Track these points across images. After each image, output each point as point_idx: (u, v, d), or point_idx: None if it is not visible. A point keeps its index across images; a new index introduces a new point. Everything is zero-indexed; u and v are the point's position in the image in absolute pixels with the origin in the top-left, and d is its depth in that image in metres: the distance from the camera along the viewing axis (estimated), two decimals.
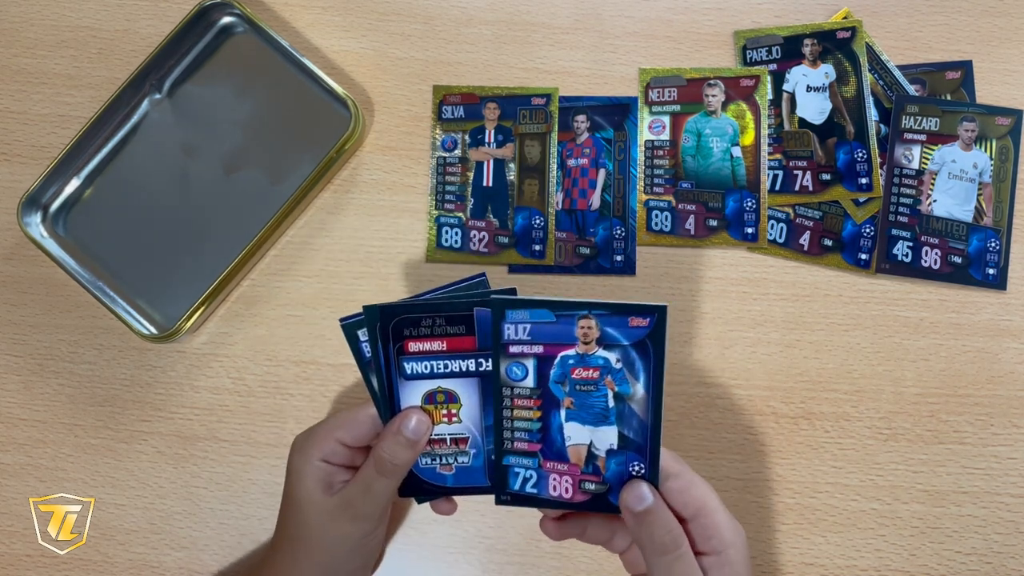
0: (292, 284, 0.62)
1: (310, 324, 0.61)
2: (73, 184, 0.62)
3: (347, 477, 0.48)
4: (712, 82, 0.63)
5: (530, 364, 0.44)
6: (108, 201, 0.62)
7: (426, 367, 0.45)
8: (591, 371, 0.43)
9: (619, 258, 0.61)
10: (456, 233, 0.62)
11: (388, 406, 0.46)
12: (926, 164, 0.62)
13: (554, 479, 0.45)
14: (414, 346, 0.45)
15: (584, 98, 0.63)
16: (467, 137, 0.63)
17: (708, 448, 0.59)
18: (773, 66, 0.63)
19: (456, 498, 0.49)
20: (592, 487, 0.45)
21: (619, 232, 0.62)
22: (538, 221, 0.62)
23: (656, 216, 0.62)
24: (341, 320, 0.46)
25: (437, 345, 0.45)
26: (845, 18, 0.64)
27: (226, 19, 0.64)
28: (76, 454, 0.60)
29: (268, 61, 0.63)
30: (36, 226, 0.61)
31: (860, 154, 0.61)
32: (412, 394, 0.46)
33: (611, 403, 0.44)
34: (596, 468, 0.45)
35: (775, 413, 0.60)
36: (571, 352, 0.43)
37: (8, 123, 0.64)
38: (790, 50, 0.63)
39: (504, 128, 0.63)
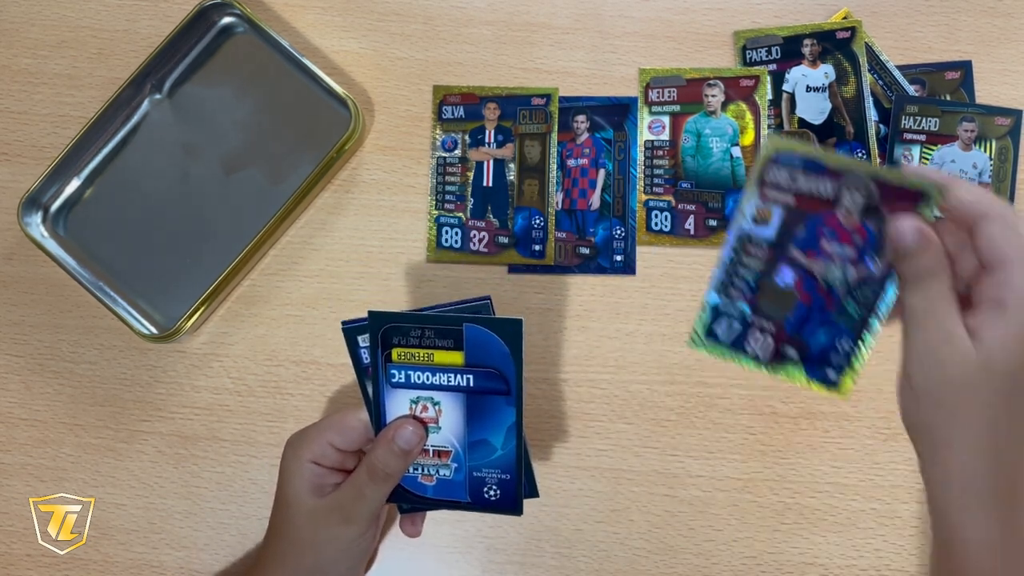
0: (292, 284, 0.62)
1: (310, 324, 0.61)
2: (73, 184, 0.62)
3: (337, 480, 0.48)
4: (712, 82, 0.63)
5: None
6: (108, 201, 0.62)
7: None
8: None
9: (619, 258, 0.61)
10: (456, 233, 0.62)
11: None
12: (926, 164, 0.62)
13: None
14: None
15: (584, 98, 0.63)
16: (467, 137, 0.63)
17: (708, 448, 0.59)
18: (773, 66, 0.63)
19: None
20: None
21: (619, 232, 0.62)
22: (538, 221, 0.62)
23: (656, 216, 0.62)
24: (343, 323, 0.47)
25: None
26: (845, 18, 0.64)
27: (226, 19, 0.64)
28: (76, 454, 0.60)
29: (268, 61, 0.63)
30: (36, 226, 0.61)
31: (860, 154, 0.61)
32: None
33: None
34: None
35: (775, 413, 0.60)
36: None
37: (8, 123, 0.64)
38: (790, 50, 0.63)
39: (504, 128, 0.63)
